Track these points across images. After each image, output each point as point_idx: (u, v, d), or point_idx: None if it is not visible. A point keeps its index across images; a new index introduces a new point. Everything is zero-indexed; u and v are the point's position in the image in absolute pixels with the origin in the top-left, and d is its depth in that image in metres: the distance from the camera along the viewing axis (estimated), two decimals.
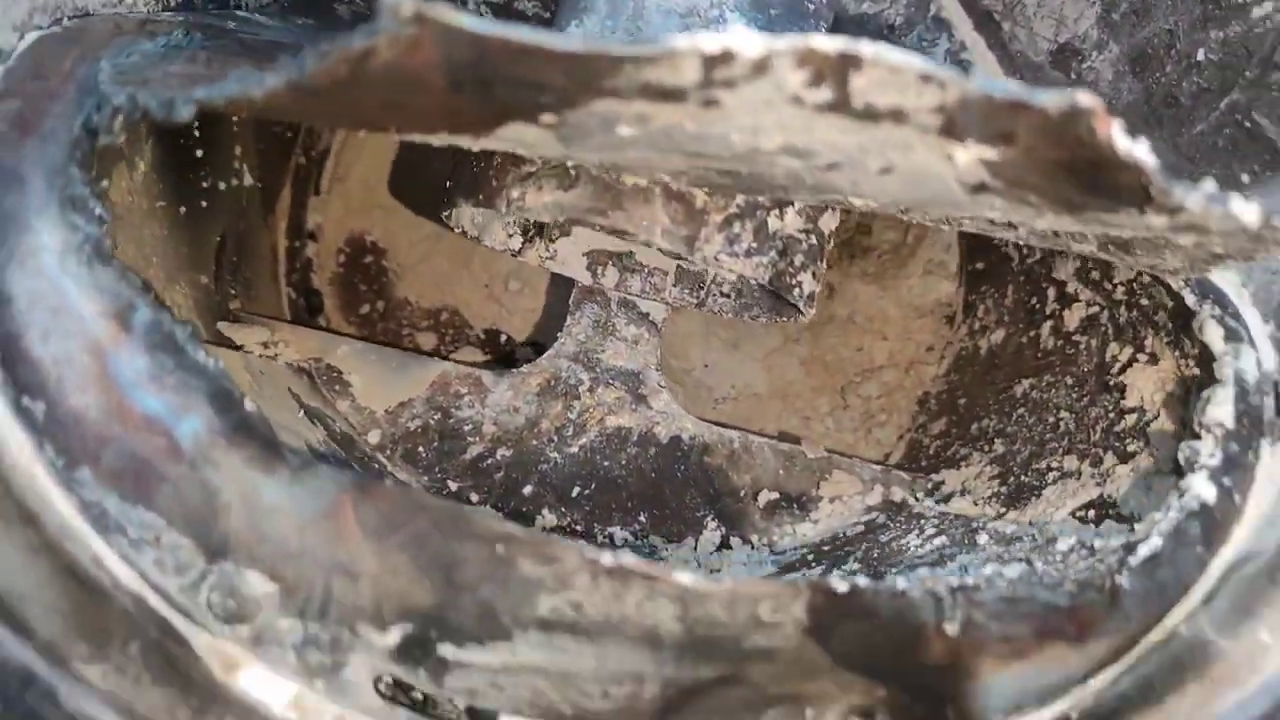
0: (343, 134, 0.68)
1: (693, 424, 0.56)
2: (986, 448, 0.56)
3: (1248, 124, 0.42)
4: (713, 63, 0.24)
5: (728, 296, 0.56)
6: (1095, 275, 0.51)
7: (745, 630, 0.30)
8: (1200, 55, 0.45)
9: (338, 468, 0.30)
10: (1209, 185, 0.26)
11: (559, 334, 0.57)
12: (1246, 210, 0.26)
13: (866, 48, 0.24)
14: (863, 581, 0.30)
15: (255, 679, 0.31)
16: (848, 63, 0.24)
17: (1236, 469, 0.35)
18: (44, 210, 0.32)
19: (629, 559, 0.29)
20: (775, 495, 0.56)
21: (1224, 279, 0.41)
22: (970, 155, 0.27)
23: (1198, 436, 0.36)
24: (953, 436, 0.62)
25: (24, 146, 0.33)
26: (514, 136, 0.30)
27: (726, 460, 0.56)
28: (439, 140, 0.33)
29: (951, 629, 0.30)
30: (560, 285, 0.65)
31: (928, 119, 0.25)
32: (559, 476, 0.56)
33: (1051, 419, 0.51)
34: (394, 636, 0.30)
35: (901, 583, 0.31)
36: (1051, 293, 0.56)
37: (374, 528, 0.30)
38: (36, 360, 0.31)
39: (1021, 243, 0.40)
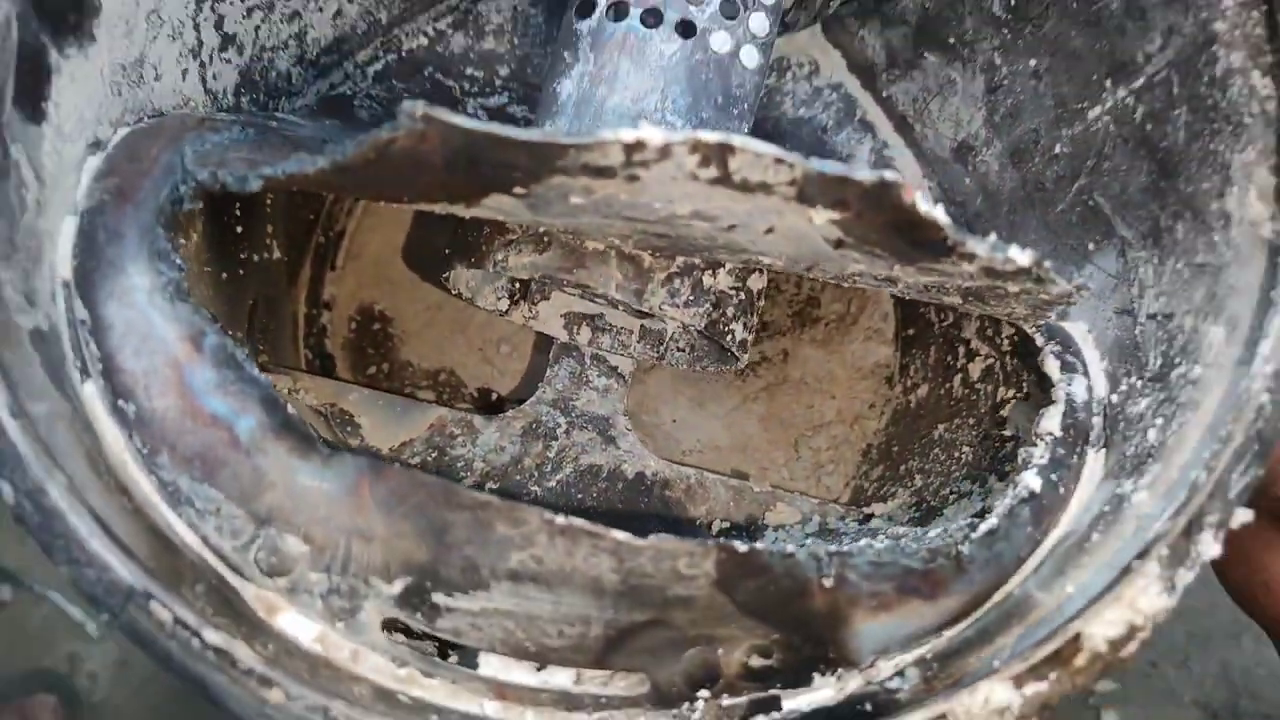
0: (358, 217, 0.80)
1: (655, 462, 0.66)
2: (909, 483, 0.66)
3: (1091, 203, 0.53)
4: (630, 149, 0.34)
5: (683, 351, 0.66)
6: (990, 333, 0.61)
7: (668, 581, 0.39)
8: (1058, 149, 0.56)
9: (357, 455, 0.40)
10: (992, 237, 0.36)
11: (541, 385, 0.67)
12: (1021, 255, 0.37)
13: (737, 139, 0.34)
14: (759, 544, 0.40)
15: (290, 620, 0.40)
16: (725, 149, 0.34)
17: (1063, 467, 0.44)
18: (137, 259, 0.42)
19: (577, 520, 0.39)
20: (727, 524, 0.65)
21: (1073, 327, 0.52)
22: (822, 218, 0.37)
23: (1034, 444, 0.45)
24: (886, 479, 0.71)
25: (122, 212, 0.44)
26: (495, 205, 0.41)
27: (684, 494, 0.66)
28: (440, 209, 0.44)
29: (828, 582, 0.40)
30: (543, 351, 0.76)
31: (786, 190, 0.36)
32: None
33: (957, 454, 0.61)
34: (398, 587, 0.40)
35: (790, 547, 0.40)
36: (961, 350, 0.66)
37: (384, 501, 0.40)
38: (129, 372, 0.41)
39: (907, 296, 0.50)
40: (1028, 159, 0.58)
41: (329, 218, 0.79)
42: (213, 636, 0.36)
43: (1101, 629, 0.37)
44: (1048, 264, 0.37)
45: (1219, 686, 1.77)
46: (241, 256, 0.65)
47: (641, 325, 0.66)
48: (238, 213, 0.63)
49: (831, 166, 0.34)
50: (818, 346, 0.81)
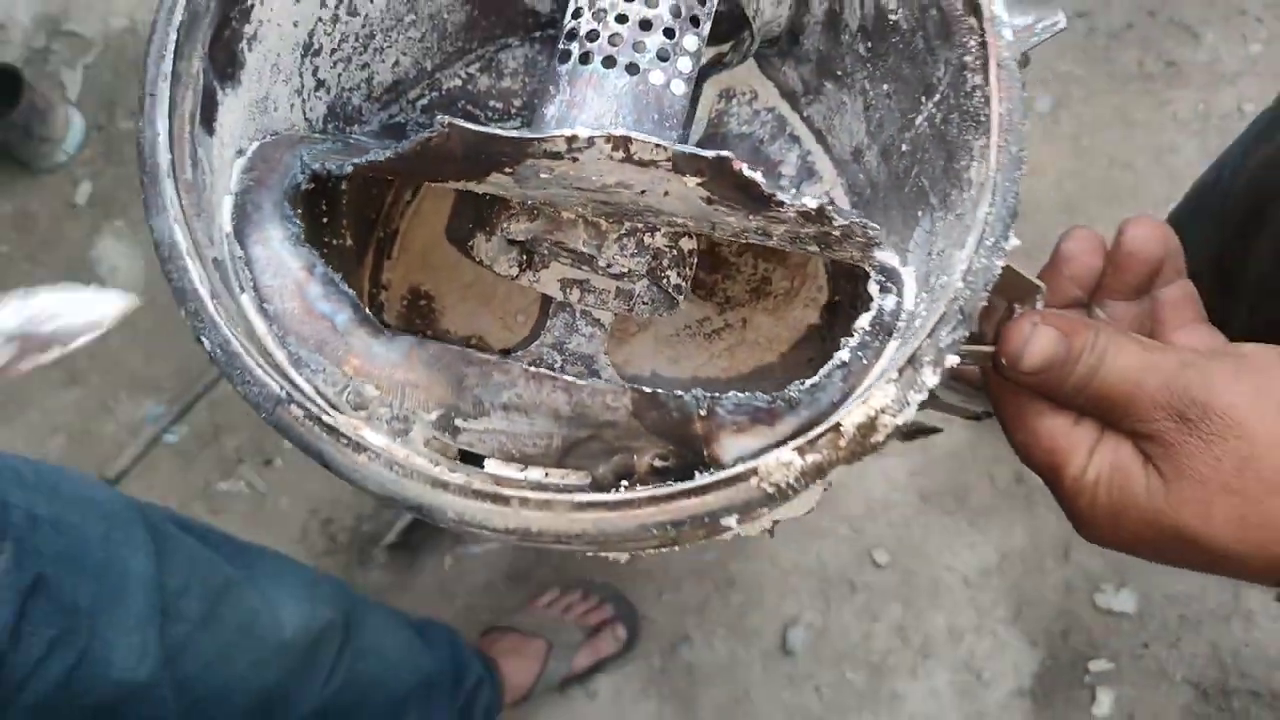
0: (408, 218, 1.08)
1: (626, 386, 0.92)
2: None
3: (920, 185, 0.78)
4: (570, 140, 0.61)
5: (646, 304, 0.92)
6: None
7: (600, 411, 0.66)
8: (904, 148, 0.81)
9: (409, 335, 0.67)
10: (793, 190, 0.63)
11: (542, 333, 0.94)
12: (811, 201, 0.63)
13: (633, 133, 0.61)
14: (660, 390, 0.66)
15: (367, 435, 0.67)
16: (626, 140, 0.61)
17: (868, 349, 0.70)
18: (272, 219, 0.70)
19: (543, 370, 0.65)
20: None
21: (905, 270, 0.77)
22: (692, 182, 0.64)
23: (851, 335, 0.71)
24: None
25: (261, 192, 0.72)
26: (494, 181, 0.68)
27: None
28: (461, 185, 0.71)
29: (703, 413, 0.66)
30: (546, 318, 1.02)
31: (666, 164, 0.62)
32: None
33: None
34: (434, 416, 0.67)
35: (680, 391, 0.66)
36: (858, 303, 0.92)
37: (426, 362, 0.67)
38: (269, 287, 0.68)
39: (787, 248, 0.76)
40: (890, 157, 0.84)
41: (387, 218, 1.08)
42: (327, 418, 0.64)
43: (852, 420, 0.62)
44: (830, 205, 0.63)
45: (1209, 666, 1.96)
46: (324, 239, 0.93)
47: (617, 287, 0.93)
48: (324, 207, 0.91)
49: (690, 149, 0.61)
50: (768, 315, 1.07)
